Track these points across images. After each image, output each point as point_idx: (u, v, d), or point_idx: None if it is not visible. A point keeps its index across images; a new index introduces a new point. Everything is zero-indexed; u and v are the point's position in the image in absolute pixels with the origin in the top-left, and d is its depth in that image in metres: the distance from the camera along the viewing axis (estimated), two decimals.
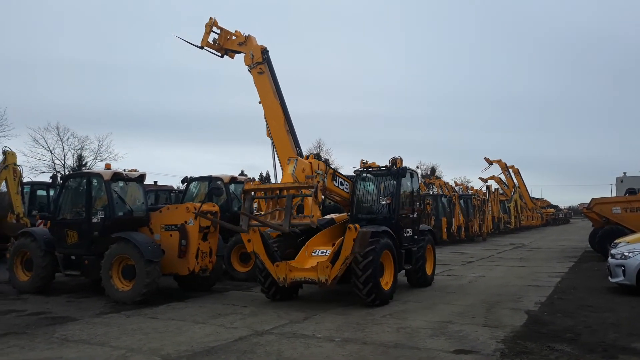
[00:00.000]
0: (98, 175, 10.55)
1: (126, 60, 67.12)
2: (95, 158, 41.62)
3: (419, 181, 11.77)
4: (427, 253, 11.82)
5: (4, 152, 17.30)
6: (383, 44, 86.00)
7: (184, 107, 68.06)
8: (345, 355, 6.24)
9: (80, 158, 41.91)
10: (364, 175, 11.59)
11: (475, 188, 41.58)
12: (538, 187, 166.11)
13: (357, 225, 9.11)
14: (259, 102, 14.59)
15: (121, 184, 10.66)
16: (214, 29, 15.11)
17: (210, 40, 15.13)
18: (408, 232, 11.16)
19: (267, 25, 67.21)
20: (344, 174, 11.60)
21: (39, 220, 15.31)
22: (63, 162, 41.06)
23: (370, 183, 11.64)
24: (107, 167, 11.15)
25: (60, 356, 6.13)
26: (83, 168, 39.45)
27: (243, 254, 12.91)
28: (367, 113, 77.31)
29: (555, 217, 66.49)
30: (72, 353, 6.27)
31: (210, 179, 13.92)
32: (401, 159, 19.57)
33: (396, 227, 10.57)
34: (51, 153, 40.64)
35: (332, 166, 11.68)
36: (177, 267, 10.25)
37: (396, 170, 11.22)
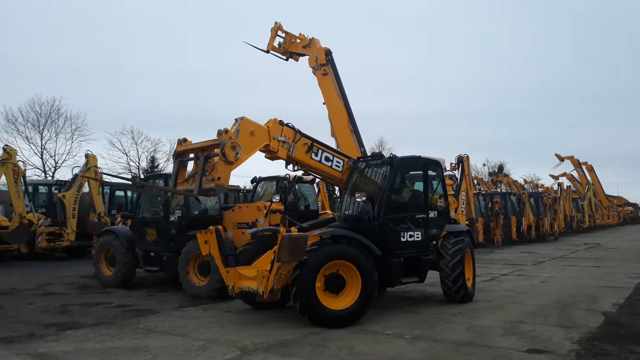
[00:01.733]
0: None
1: (195, 66, 69.61)
2: (167, 160, 43.46)
3: (445, 174, 9.61)
4: (466, 261, 9.48)
5: (86, 155, 18.54)
6: (448, 39, 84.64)
7: (250, 109, 69.69)
8: (416, 352, 6.32)
9: (153, 160, 43.95)
10: (359, 166, 9.63)
11: (545, 186, 40.11)
12: (614, 184, 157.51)
13: (286, 229, 7.97)
14: (323, 103, 14.89)
15: None
16: (279, 33, 15.57)
17: (275, 44, 15.61)
18: (412, 236, 8.68)
19: (331, 25, 67.75)
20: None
21: (118, 219, 16.30)
22: (138, 164, 43.21)
23: (365, 176, 9.45)
24: None
25: (146, 345, 6.58)
26: (155, 170, 41.38)
27: None
28: (432, 110, 76.25)
29: (634, 215, 62.97)
30: (157, 342, 6.72)
31: (278, 179, 14.29)
32: (467, 157, 19.41)
33: (382, 230, 8.38)
34: (126, 155, 42.88)
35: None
36: None
37: (389, 159, 9.08)
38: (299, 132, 9.04)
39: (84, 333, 7.26)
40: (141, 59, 64.93)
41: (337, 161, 9.55)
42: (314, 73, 14.90)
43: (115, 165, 41.71)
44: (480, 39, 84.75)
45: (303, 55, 15.46)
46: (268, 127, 8.66)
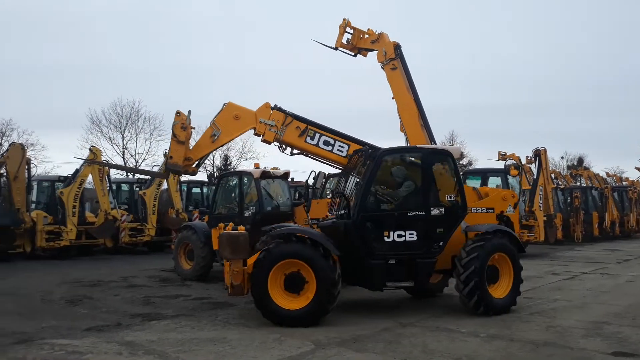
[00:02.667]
0: (249, 173, 11.50)
1: (262, 65, 71.02)
2: (240, 158, 44.69)
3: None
4: (500, 266, 8.17)
5: (164, 155, 19.44)
6: (522, 29, 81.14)
7: (319, 106, 70.27)
8: (492, 351, 6.18)
9: (226, 158, 45.32)
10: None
11: (630, 179, 37.68)
12: None
13: (226, 226, 8.12)
14: (392, 98, 14.74)
15: (268, 181, 11.49)
16: (348, 29, 15.56)
17: (344, 40, 15.60)
18: (401, 236, 7.79)
19: (400, 19, 66.82)
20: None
21: (196, 215, 16.99)
22: (212, 161, 44.71)
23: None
24: (256, 166, 12.08)
25: (224, 337, 6.84)
26: (229, 167, 42.69)
27: None
28: (507, 102, 73.41)
29: None
30: (234, 334, 6.96)
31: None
32: (545, 150, 18.59)
33: (357, 229, 7.78)
34: None
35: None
36: None
37: (371, 153, 8.59)
38: (293, 115, 9.06)
39: (166, 324, 7.65)
40: (209, 59, 66.96)
41: (339, 145, 9.19)
42: (382, 68, 14.78)
43: None
44: (557, 28, 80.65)
45: (371, 50, 15.36)
46: (255, 112, 8.88)
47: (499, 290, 8.12)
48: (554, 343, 6.46)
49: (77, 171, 17.39)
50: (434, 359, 5.89)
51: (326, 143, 9.21)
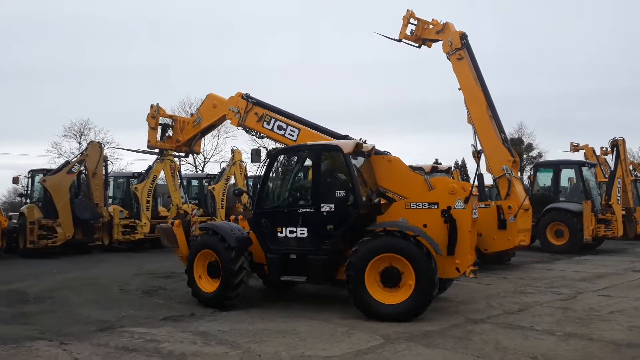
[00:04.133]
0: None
1: (330, 60, 71.29)
2: None
3: (344, 162, 7.84)
4: (403, 270, 7.19)
5: (232, 151, 19.95)
6: (594, 13, 76.56)
7: (384, 99, 69.75)
8: (570, 350, 5.92)
9: None
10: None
11: None
12: None
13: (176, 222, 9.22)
14: (459, 89, 14.39)
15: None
16: (412, 20, 15.32)
17: (407, 32, 15.38)
18: (293, 232, 7.90)
19: (464, 5, 64.85)
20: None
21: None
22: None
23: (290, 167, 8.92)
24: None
25: (293, 328, 6.94)
26: None
27: None
28: (580, 90, 69.66)
29: None
30: (303, 327, 7.05)
31: (411, 169, 14.13)
32: (623, 140, 17.55)
33: (254, 224, 8.27)
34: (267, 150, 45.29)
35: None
36: None
37: (269, 152, 8.99)
38: (255, 103, 10.32)
39: (237, 314, 7.85)
40: (274, 57, 67.99)
41: (291, 130, 9.86)
42: (448, 58, 14.45)
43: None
44: (629, 10, 75.64)
45: (436, 41, 15.05)
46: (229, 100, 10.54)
47: (396, 296, 7.25)
48: (639, 344, 6.11)
49: (149, 168, 18.13)
50: (508, 357, 5.72)
51: (280, 127, 10.04)
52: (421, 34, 15.27)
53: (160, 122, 12.64)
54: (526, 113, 79.02)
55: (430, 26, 15.08)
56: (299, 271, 7.98)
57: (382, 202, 8.50)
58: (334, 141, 8.74)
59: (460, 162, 53.56)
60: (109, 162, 18.00)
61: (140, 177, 18.55)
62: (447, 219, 7.44)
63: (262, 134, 10.51)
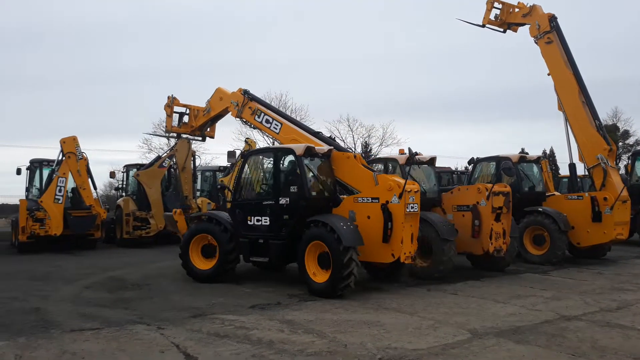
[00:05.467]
0: (394, 160, 11.46)
1: (403, 50, 70.09)
2: (381, 144, 44.91)
3: (296, 162, 9.25)
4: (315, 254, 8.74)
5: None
6: None
7: (458, 88, 67.76)
8: None
9: (366, 145, 45.79)
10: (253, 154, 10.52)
11: None
12: None
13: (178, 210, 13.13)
14: (548, 74, 13.69)
15: (415, 167, 11.34)
16: (496, 4, 14.74)
17: (491, 17, 14.83)
18: (259, 220, 9.46)
19: None
20: None
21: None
22: (353, 149, 45.46)
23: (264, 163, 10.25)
24: (401, 152, 12.00)
25: (378, 320, 6.95)
26: (370, 155, 43.07)
27: (536, 236, 12.50)
28: None
29: None
30: (388, 318, 7.04)
31: (498, 159, 13.66)
32: None
33: (231, 213, 10.01)
34: (343, 142, 45.44)
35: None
36: (471, 246, 10.48)
37: (243, 153, 10.96)
38: (250, 98, 11.80)
39: (321, 304, 7.97)
40: (348, 49, 67.82)
41: (275, 124, 11.24)
42: (536, 42, 13.78)
43: None
44: None
45: (523, 24, 14.40)
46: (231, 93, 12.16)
47: (325, 276, 8.58)
48: None
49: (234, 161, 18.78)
50: (607, 357, 5.41)
51: (267, 121, 11.44)
52: (506, 18, 14.67)
53: (175, 110, 14.03)
54: (621, 98, 73.69)
55: (516, 9, 14.45)
56: (263, 253, 9.55)
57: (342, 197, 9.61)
58: (290, 144, 9.96)
59: (548, 151, 51.09)
60: (196, 157, 18.79)
61: (225, 170, 19.18)
62: (384, 212, 8.47)
63: (253, 126, 11.95)
